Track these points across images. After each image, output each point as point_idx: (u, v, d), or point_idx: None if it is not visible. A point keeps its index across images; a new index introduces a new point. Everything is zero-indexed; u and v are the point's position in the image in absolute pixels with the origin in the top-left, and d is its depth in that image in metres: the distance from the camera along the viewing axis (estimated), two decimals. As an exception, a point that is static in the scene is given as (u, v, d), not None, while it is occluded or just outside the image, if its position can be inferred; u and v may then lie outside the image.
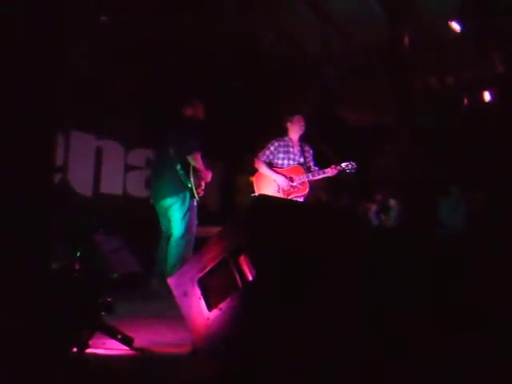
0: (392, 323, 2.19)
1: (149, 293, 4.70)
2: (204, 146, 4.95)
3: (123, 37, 5.89)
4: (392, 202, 7.39)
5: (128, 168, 6.66)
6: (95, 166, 6.22)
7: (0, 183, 2.55)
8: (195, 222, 4.94)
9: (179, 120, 5.02)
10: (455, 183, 7.37)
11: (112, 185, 6.45)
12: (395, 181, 6.94)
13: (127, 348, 2.66)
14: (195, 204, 4.85)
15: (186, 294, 2.48)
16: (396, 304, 2.29)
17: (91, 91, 5.71)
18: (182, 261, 4.69)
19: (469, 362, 2.04)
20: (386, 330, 2.17)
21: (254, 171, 5.04)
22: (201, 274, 2.44)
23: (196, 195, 4.79)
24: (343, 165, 4.71)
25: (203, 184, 4.91)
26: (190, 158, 4.77)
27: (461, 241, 3.03)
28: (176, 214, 4.80)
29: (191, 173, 4.78)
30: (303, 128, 5.01)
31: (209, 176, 4.92)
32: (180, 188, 4.78)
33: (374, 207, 7.69)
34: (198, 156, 4.80)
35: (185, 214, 4.78)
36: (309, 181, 4.83)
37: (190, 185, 4.76)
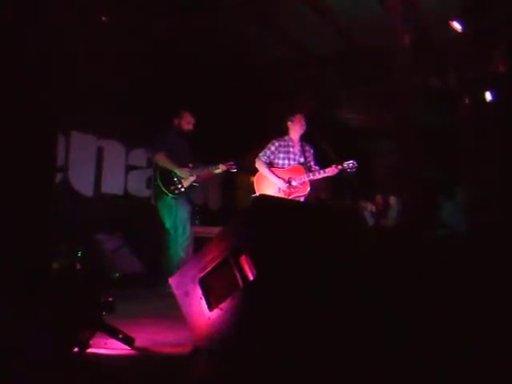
0: (391, 322, 2.19)
1: (149, 292, 4.72)
2: (190, 149, 5.18)
3: (123, 37, 5.90)
4: (392, 200, 7.38)
5: (129, 168, 6.68)
6: (96, 166, 6.24)
7: (1, 183, 2.56)
8: (185, 219, 5.02)
9: (166, 128, 5.24)
10: (457, 183, 7.37)
11: (113, 185, 6.46)
12: (395, 180, 6.93)
13: (128, 348, 2.66)
14: (172, 201, 4.94)
15: (187, 294, 2.49)
16: (395, 304, 2.29)
17: (91, 91, 5.71)
18: (177, 259, 4.79)
19: (469, 363, 2.05)
20: (386, 329, 2.17)
21: (255, 171, 5.05)
22: (202, 274, 2.45)
23: (168, 193, 4.93)
24: (344, 164, 4.71)
25: (183, 182, 4.97)
26: (155, 160, 5.08)
27: (461, 241, 3.03)
28: (164, 215, 5.00)
29: (157, 172, 5.02)
30: (304, 127, 5.01)
31: (184, 171, 4.98)
32: (161, 189, 4.98)
33: (369, 206, 7.67)
34: (161, 156, 5.01)
35: (169, 213, 4.93)
36: (309, 180, 4.83)
37: (156, 183, 4.99)
